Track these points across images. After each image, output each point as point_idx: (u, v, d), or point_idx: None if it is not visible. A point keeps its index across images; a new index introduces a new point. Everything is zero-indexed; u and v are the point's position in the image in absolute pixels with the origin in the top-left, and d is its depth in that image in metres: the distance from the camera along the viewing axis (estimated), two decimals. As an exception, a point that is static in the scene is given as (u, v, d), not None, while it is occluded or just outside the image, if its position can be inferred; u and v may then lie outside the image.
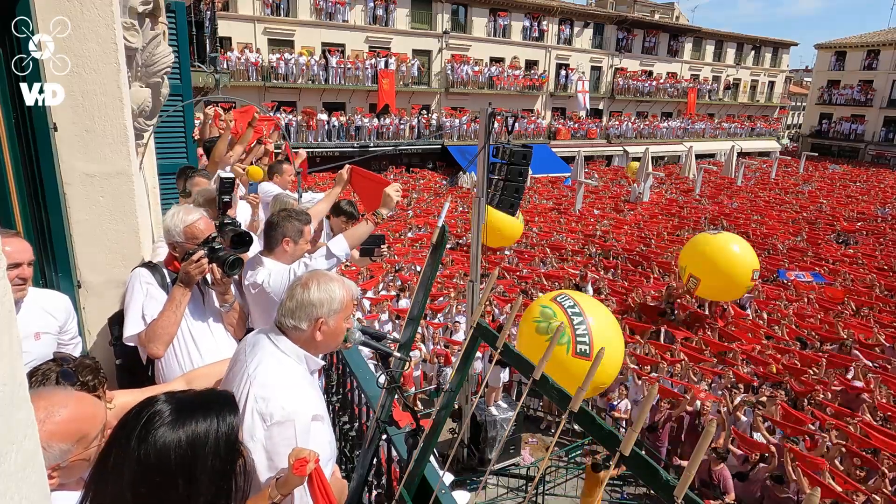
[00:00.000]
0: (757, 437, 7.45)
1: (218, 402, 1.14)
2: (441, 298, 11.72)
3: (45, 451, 1.21)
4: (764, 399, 8.08)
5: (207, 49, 9.25)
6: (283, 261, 2.64)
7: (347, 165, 3.40)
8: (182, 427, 1.04)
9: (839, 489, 6.14)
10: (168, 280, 2.45)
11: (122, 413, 1.64)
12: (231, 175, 3.02)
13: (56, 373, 1.67)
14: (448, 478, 2.77)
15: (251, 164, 4.93)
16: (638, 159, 26.13)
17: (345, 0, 24.82)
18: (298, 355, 1.74)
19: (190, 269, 2.30)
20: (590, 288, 12.99)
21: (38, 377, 1.66)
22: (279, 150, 7.05)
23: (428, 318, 11.02)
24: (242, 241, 2.63)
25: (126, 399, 1.72)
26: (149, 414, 1.05)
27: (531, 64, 30.76)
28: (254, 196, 3.91)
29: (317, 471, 1.45)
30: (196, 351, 2.44)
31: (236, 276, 2.51)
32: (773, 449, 6.91)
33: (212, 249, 2.38)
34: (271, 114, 16.30)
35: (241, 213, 3.71)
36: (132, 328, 2.35)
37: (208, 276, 2.45)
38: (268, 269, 2.57)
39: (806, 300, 12.63)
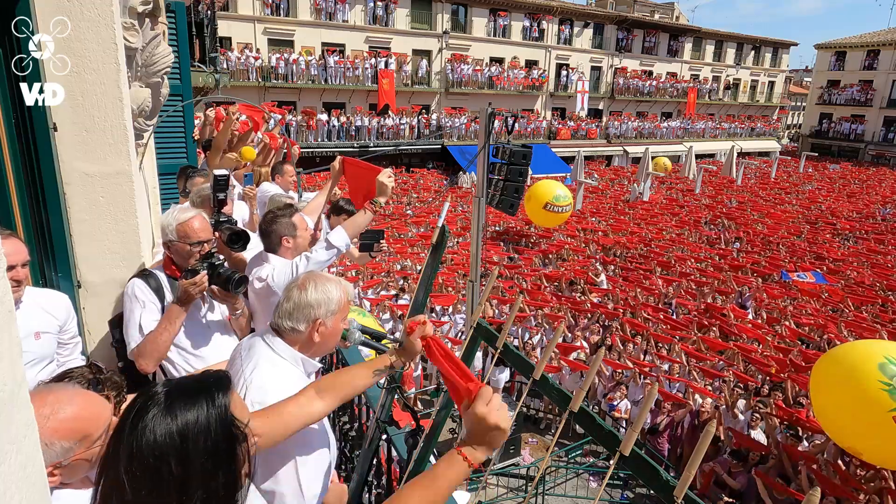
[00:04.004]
0: (754, 434, 7.43)
1: (210, 382, 1.13)
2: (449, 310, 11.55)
3: (46, 449, 1.20)
4: (764, 398, 8.07)
5: (207, 49, 9.24)
6: (287, 257, 2.66)
7: (339, 157, 3.35)
8: (173, 409, 1.04)
9: (838, 483, 6.13)
10: (164, 284, 2.43)
11: None
12: (225, 172, 2.96)
13: (88, 380, 1.65)
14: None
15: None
16: (638, 160, 26.13)
17: (344, 0, 24.85)
18: (294, 358, 1.73)
19: (190, 289, 2.28)
20: (604, 279, 13.01)
21: (72, 379, 1.65)
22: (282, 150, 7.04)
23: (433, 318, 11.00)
24: (239, 238, 2.63)
25: None
26: (144, 397, 1.07)
27: (531, 64, 30.76)
28: (249, 188, 3.86)
29: (434, 338, 1.63)
30: (197, 358, 2.46)
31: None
32: (773, 450, 6.90)
33: (212, 266, 2.34)
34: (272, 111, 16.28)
35: (239, 210, 3.68)
36: (134, 344, 2.35)
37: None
38: (272, 264, 2.59)
39: (805, 300, 12.61)
